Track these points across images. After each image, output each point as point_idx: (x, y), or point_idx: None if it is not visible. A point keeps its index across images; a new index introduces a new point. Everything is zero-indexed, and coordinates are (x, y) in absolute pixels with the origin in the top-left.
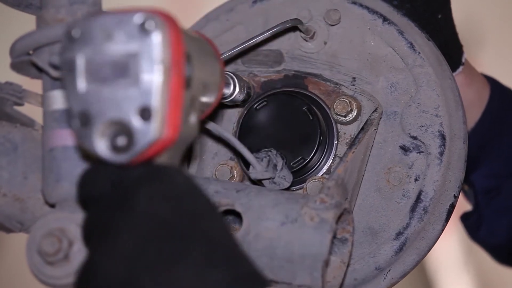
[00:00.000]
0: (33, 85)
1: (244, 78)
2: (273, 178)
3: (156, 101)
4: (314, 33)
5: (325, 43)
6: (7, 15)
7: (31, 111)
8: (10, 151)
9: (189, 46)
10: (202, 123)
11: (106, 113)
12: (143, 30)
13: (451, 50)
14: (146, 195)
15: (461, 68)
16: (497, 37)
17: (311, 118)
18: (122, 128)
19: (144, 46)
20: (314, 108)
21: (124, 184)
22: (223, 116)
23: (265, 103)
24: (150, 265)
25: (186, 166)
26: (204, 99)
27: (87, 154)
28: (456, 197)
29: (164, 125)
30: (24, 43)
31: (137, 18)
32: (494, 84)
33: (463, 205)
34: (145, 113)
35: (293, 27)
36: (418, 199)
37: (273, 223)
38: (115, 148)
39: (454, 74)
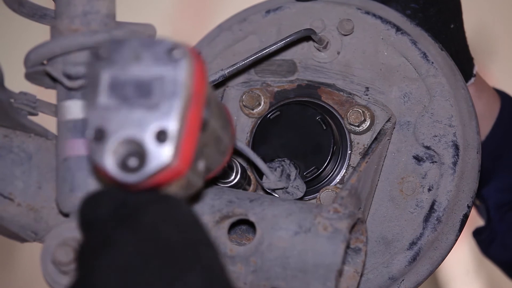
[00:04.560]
0: (47, 95)
1: (242, 164)
2: (287, 188)
3: (174, 126)
4: (327, 43)
5: (338, 53)
6: (21, 25)
7: (45, 121)
8: (25, 161)
9: (209, 92)
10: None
11: (122, 130)
12: (171, 56)
13: (462, 61)
14: (152, 214)
15: (472, 79)
16: (508, 48)
17: (325, 128)
18: (136, 149)
19: (170, 71)
20: (327, 118)
21: (130, 205)
22: (236, 126)
23: (278, 113)
24: (146, 284)
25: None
26: (213, 154)
27: (96, 171)
28: (469, 207)
29: (178, 152)
30: (38, 53)
31: (167, 44)
32: (504, 97)
33: (478, 220)
34: (162, 136)
35: (306, 37)
36: (431, 209)
37: (286, 232)
38: (125, 167)
39: None
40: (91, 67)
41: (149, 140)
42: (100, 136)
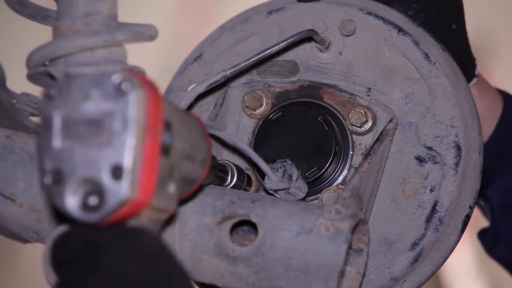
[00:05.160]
0: None
1: (239, 166)
2: (288, 189)
3: (127, 160)
4: (329, 43)
5: (340, 53)
6: (23, 26)
7: None
8: (26, 161)
9: (170, 115)
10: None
11: (79, 171)
12: (119, 90)
13: (464, 61)
14: (115, 254)
15: (474, 80)
16: (509, 49)
17: (326, 128)
18: (94, 187)
19: (119, 106)
20: (329, 118)
21: (94, 245)
22: (238, 126)
23: (280, 113)
24: None
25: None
26: (187, 172)
27: (57, 213)
28: (471, 208)
29: (136, 186)
30: (40, 54)
31: (115, 79)
32: (506, 97)
33: (480, 221)
34: (117, 172)
35: (308, 37)
36: (433, 209)
37: (288, 233)
38: (86, 207)
39: None
40: (43, 109)
41: (105, 178)
42: (58, 179)
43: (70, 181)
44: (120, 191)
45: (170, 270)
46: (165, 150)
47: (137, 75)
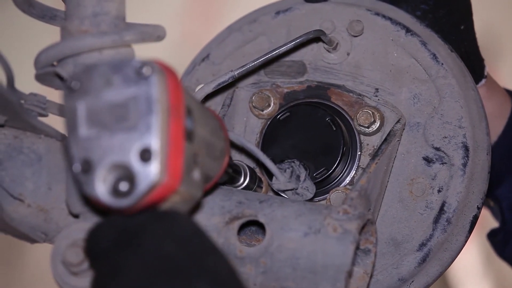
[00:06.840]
0: (57, 96)
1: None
2: (296, 189)
3: (155, 141)
4: (337, 44)
5: (348, 54)
6: (31, 27)
7: (55, 122)
8: (35, 162)
9: (189, 102)
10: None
11: (108, 157)
12: (140, 74)
13: (473, 62)
14: (151, 234)
15: (483, 81)
16: None
17: (334, 129)
18: (124, 172)
19: (142, 89)
20: (337, 119)
21: (129, 230)
22: (246, 127)
23: (288, 114)
24: None
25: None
26: (209, 162)
27: (90, 201)
28: (479, 209)
29: (165, 168)
30: (48, 54)
31: (135, 64)
32: None
33: (488, 221)
34: (145, 154)
35: (316, 38)
36: (441, 210)
37: (296, 233)
38: (117, 193)
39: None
40: (67, 101)
41: (134, 162)
42: (87, 167)
43: (99, 168)
44: (151, 173)
45: (206, 247)
46: (189, 135)
47: (156, 60)
